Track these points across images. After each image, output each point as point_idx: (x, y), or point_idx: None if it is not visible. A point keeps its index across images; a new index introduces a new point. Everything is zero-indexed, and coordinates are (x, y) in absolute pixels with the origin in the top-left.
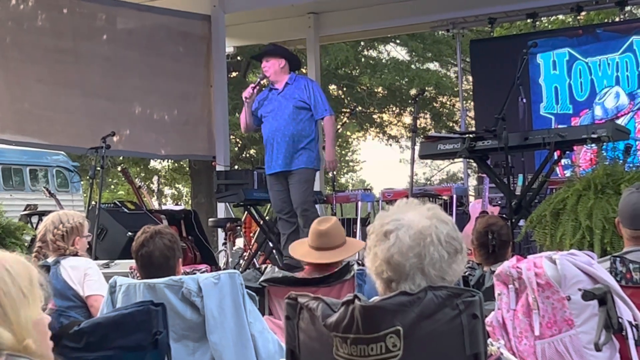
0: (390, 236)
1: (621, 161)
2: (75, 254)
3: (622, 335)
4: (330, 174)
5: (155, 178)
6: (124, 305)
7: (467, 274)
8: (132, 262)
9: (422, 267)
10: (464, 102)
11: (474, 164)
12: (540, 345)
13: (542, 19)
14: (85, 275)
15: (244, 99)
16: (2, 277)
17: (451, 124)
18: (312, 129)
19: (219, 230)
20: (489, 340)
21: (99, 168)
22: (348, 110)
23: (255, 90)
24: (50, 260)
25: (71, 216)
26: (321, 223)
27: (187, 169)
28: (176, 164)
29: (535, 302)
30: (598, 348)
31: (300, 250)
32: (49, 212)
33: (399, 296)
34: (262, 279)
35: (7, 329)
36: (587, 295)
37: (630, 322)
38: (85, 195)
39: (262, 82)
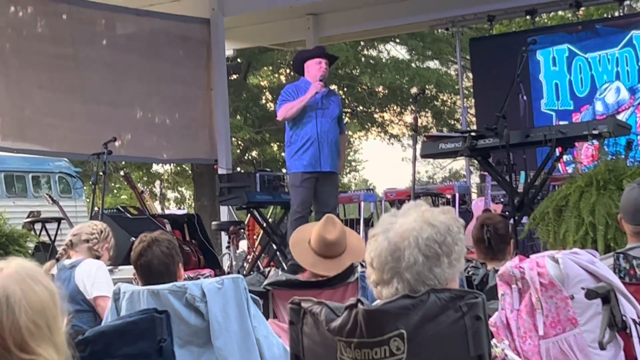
0: (372, 240)
1: (623, 156)
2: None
3: (627, 333)
4: None
5: (157, 182)
6: (128, 312)
7: (470, 273)
8: None
9: (399, 271)
10: (465, 99)
11: (477, 162)
12: (544, 344)
13: (542, 15)
14: (95, 277)
15: (311, 96)
16: (42, 292)
17: (452, 122)
18: None
19: (223, 233)
20: (493, 342)
21: (101, 174)
22: (349, 110)
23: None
24: (67, 262)
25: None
26: (328, 230)
27: (190, 172)
28: (179, 168)
29: (538, 301)
30: (602, 346)
31: (307, 258)
32: (52, 219)
33: (402, 299)
34: (265, 282)
35: (53, 349)
36: (590, 294)
37: (634, 320)
38: (88, 200)
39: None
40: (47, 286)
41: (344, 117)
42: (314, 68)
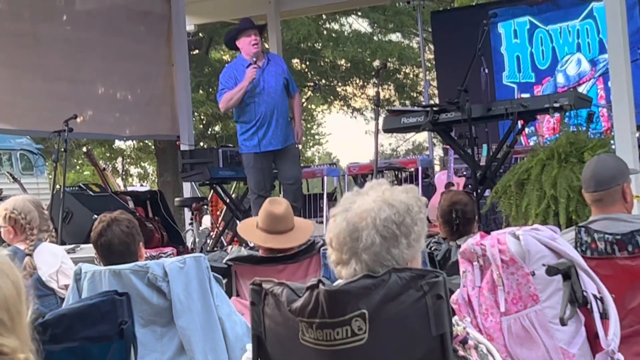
0: (332, 220)
1: (584, 129)
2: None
3: (587, 308)
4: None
5: (119, 159)
6: (90, 293)
7: (433, 249)
8: None
9: (357, 252)
10: (427, 72)
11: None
12: (506, 321)
13: None
14: (62, 264)
15: (250, 80)
16: (7, 286)
17: (415, 95)
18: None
19: (186, 209)
20: (455, 319)
21: (62, 151)
22: (311, 84)
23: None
24: (21, 247)
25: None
26: (274, 205)
27: (153, 147)
28: (141, 143)
29: (500, 278)
30: (563, 322)
31: (255, 234)
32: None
33: (363, 279)
34: (227, 257)
35: (14, 338)
36: (551, 270)
37: (595, 296)
38: (50, 177)
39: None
40: (14, 280)
41: (292, 80)
42: (246, 44)
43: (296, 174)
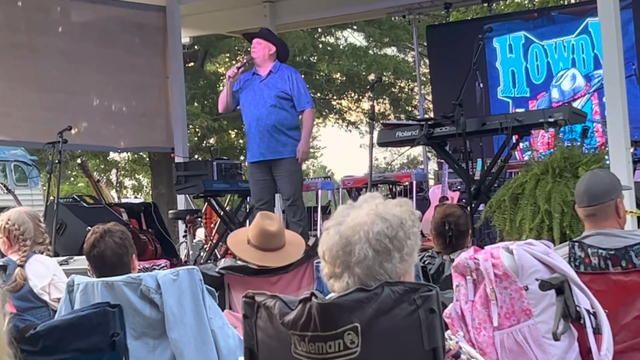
0: (325, 233)
1: (578, 144)
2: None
3: (580, 323)
4: None
5: (114, 171)
6: (83, 304)
7: (426, 262)
8: None
9: (350, 266)
10: (422, 86)
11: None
12: (499, 335)
13: (498, 2)
14: (54, 277)
15: (227, 78)
16: None
17: (410, 109)
18: (295, 119)
19: (180, 222)
20: (448, 334)
21: (56, 162)
22: None
23: (239, 71)
24: (14, 258)
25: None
26: (267, 222)
27: (147, 159)
28: (136, 155)
29: (493, 292)
30: (556, 337)
31: (247, 252)
32: (7, 208)
33: (356, 293)
34: (220, 266)
35: None
36: (544, 285)
37: (588, 310)
38: (44, 189)
39: (247, 63)
40: None
41: (302, 92)
42: None
43: (290, 190)
